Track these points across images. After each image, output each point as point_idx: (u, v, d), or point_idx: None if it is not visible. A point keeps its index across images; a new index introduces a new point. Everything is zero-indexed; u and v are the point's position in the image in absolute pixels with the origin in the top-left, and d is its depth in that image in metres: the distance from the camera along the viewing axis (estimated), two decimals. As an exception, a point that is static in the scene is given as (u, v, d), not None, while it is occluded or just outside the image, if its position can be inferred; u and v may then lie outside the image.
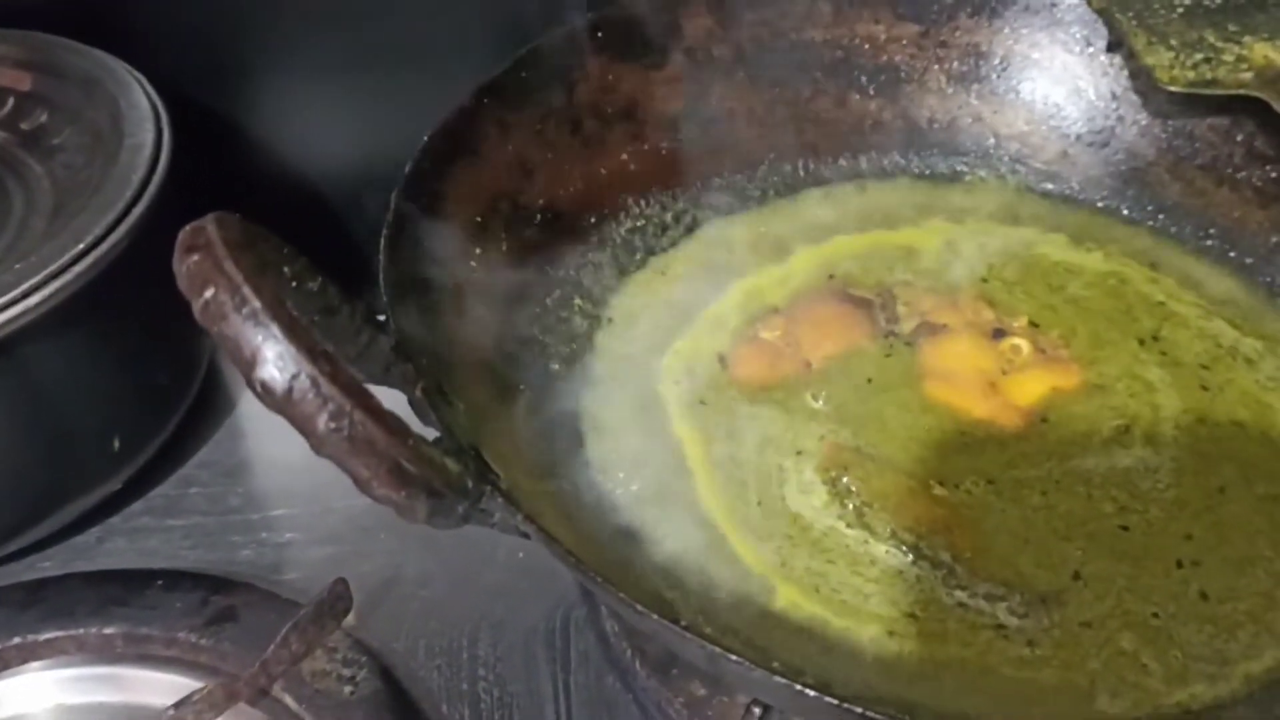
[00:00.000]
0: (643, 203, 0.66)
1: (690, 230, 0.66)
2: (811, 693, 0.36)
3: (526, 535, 0.44)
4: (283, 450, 0.71)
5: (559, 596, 0.63)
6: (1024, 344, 0.60)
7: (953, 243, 0.66)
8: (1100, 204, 0.68)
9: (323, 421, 0.35)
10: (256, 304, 0.35)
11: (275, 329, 0.35)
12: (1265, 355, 0.60)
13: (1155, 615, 0.50)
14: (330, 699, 0.57)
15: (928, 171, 0.70)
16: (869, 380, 0.58)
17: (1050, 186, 0.69)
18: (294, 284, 0.43)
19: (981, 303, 0.62)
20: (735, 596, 0.51)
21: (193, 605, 0.60)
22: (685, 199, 0.67)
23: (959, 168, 0.70)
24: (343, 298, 0.46)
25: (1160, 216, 0.67)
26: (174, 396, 0.68)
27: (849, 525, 0.52)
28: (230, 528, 0.67)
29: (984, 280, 0.64)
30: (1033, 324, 0.61)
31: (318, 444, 0.36)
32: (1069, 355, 0.60)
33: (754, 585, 0.51)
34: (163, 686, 0.58)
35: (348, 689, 0.57)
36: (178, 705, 0.55)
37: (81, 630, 0.59)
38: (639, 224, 0.66)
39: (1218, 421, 0.57)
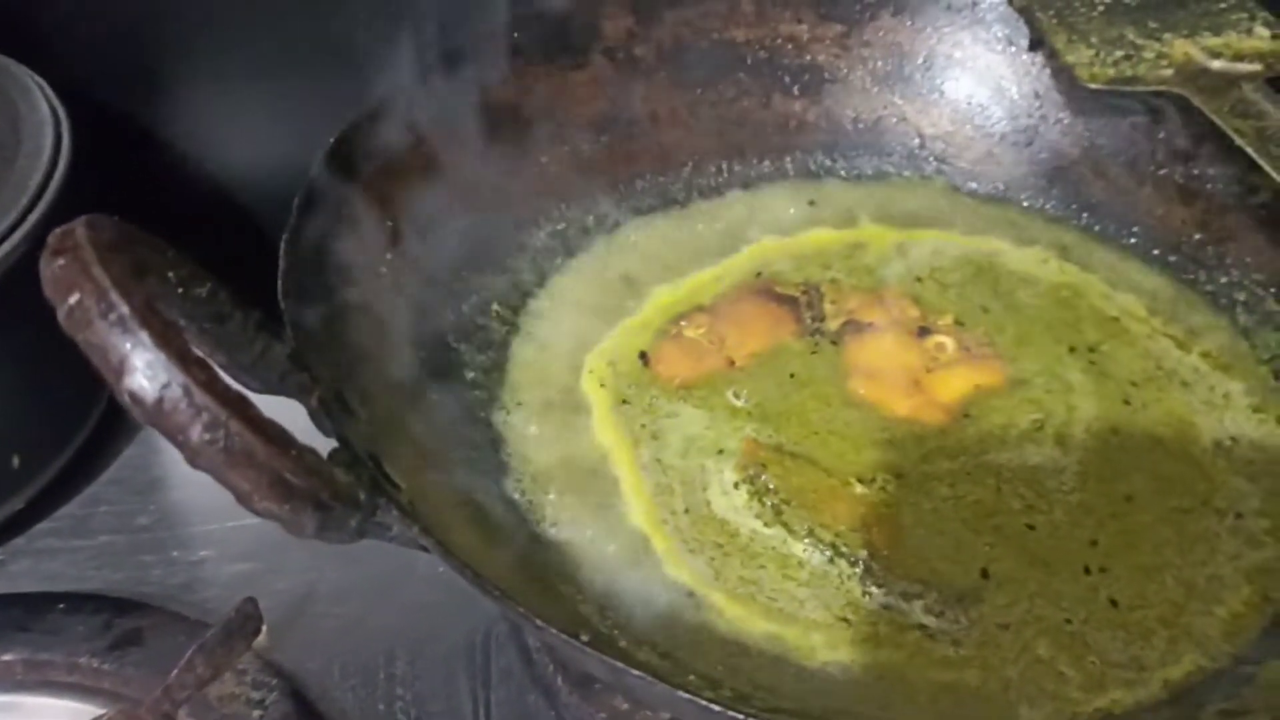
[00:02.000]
0: (563, 206, 0.65)
1: (612, 233, 0.65)
2: (715, 708, 0.35)
3: (425, 549, 0.42)
4: (195, 466, 0.69)
5: (480, 613, 0.61)
6: (949, 341, 0.59)
7: (883, 245, 0.66)
8: (1025, 202, 0.68)
9: (196, 433, 0.33)
10: (124, 310, 0.33)
11: (144, 335, 0.33)
12: (1202, 379, 0.59)
13: (1068, 621, 0.49)
14: (238, 723, 0.55)
15: (854, 172, 0.69)
16: (792, 376, 0.57)
17: (975, 186, 0.69)
18: (180, 290, 0.41)
19: (907, 301, 0.61)
20: (662, 608, 0.49)
21: (95, 629, 0.58)
22: (607, 202, 0.66)
23: (885, 168, 0.70)
24: (234, 304, 0.44)
25: (1085, 215, 0.67)
26: (77, 412, 0.66)
27: (767, 524, 0.52)
28: (140, 546, 0.64)
29: (918, 280, 0.63)
30: (958, 323, 0.61)
31: (192, 456, 0.34)
32: (993, 353, 0.60)
33: (683, 597, 0.50)
34: (64, 714, 0.56)
35: (256, 713, 0.55)
36: (75, 734, 0.52)
37: (-21, 657, 0.57)
38: (559, 227, 0.65)
39: (1133, 434, 0.57)
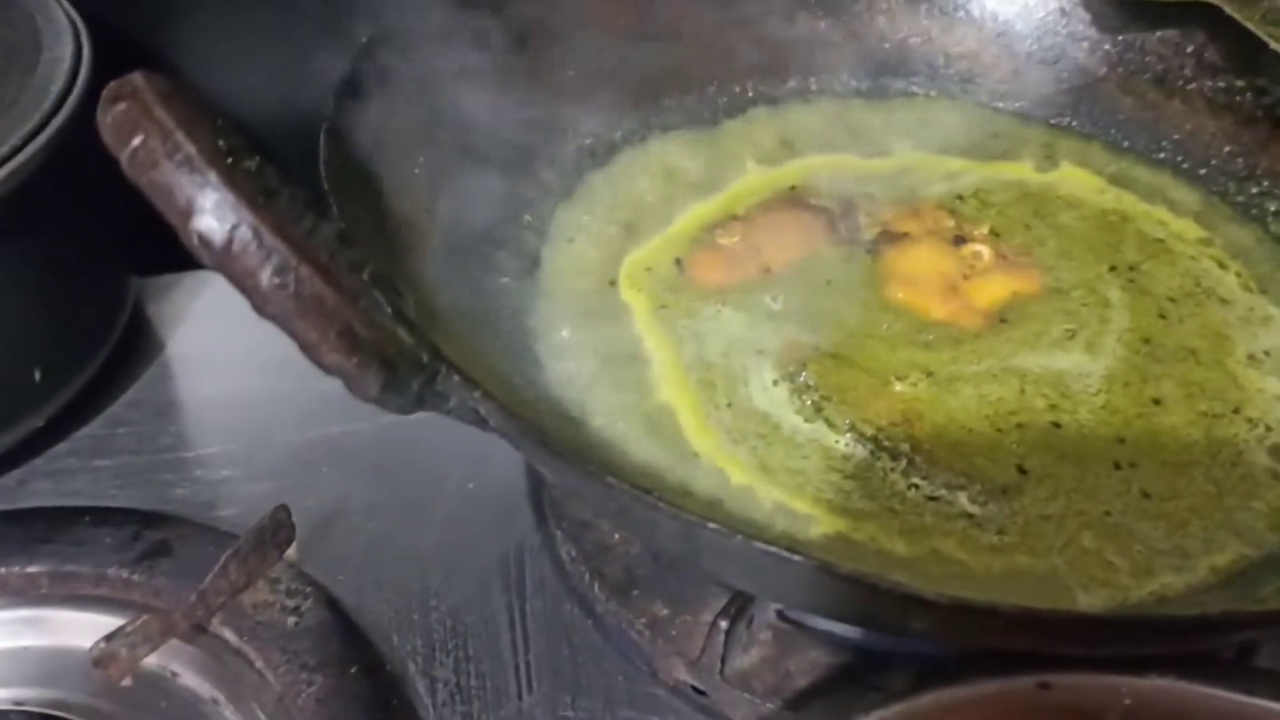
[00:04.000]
0: (590, 120, 0.64)
1: (640, 146, 0.64)
2: (798, 559, 0.34)
3: (485, 424, 0.41)
4: (217, 388, 0.68)
5: (512, 525, 0.60)
6: (985, 250, 0.59)
7: (922, 168, 0.65)
8: (1053, 121, 0.68)
9: (266, 277, 0.33)
10: (190, 149, 0.32)
11: (212, 175, 0.32)
12: (1242, 297, 0.59)
13: (1107, 513, 0.49)
14: (274, 630, 0.54)
15: (879, 92, 0.69)
16: (828, 283, 0.57)
17: (1002, 105, 0.69)
18: (230, 160, 0.40)
19: (943, 212, 0.61)
20: (712, 499, 0.49)
21: (123, 540, 0.57)
22: (634, 118, 0.65)
23: (911, 88, 0.69)
24: (282, 180, 0.43)
25: (1113, 131, 0.67)
26: (99, 329, 0.64)
27: (808, 420, 0.51)
28: (162, 466, 0.63)
29: (959, 199, 0.62)
30: (994, 233, 0.60)
31: (261, 302, 0.33)
32: (1031, 262, 0.59)
33: (733, 491, 0.49)
34: (92, 628, 0.54)
35: (292, 620, 0.54)
36: (108, 638, 0.51)
37: (3, 570, 0.56)
38: (586, 142, 0.64)
39: (1165, 344, 0.56)
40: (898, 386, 0.53)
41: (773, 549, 0.34)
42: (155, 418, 0.66)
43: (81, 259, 0.62)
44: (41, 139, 0.56)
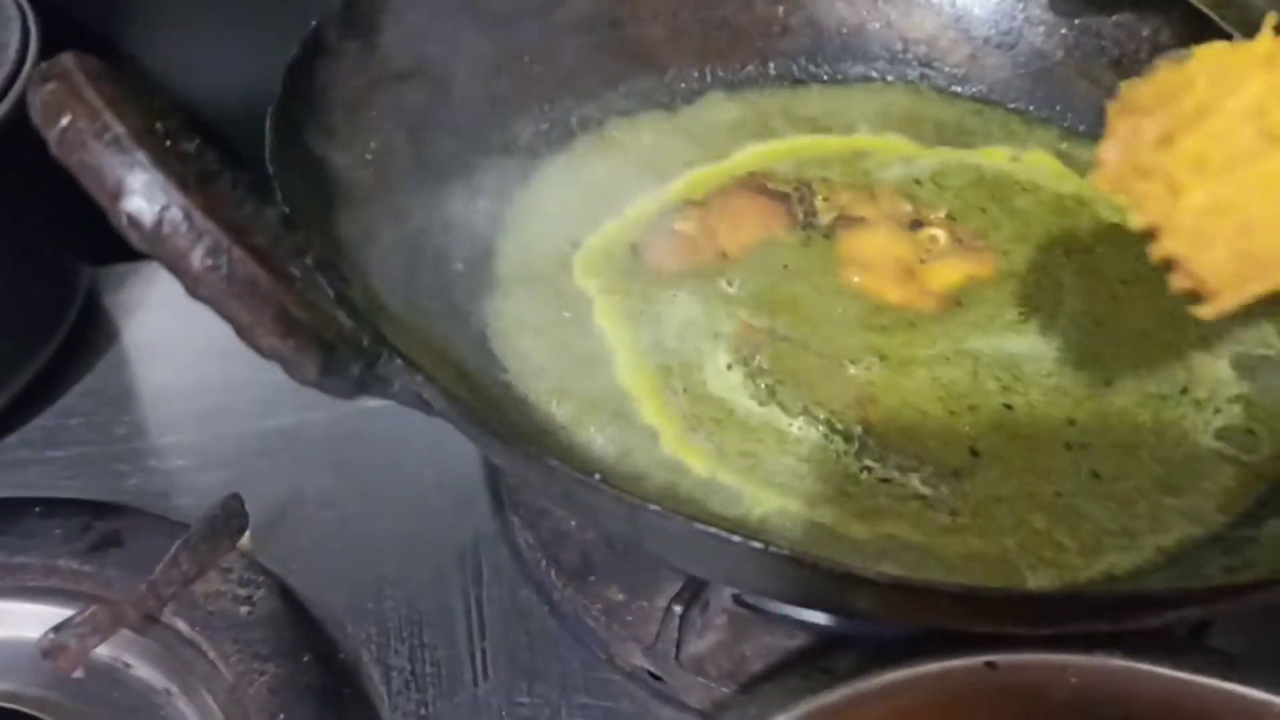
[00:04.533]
0: (546, 106, 0.64)
1: (597, 132, 0.64)
2: (736, 539, 0.34)
3: (429, 408, 0.41)
4: (172, 377, 0.68)
5: (469, 513, 0.60)
6: (941, 234, 0.59)
7: (880, 152, 0.65)
8: (1010, 105, 0.68)
9: (198, 258, 0.32)
10: (119, 129, 0.32)
11: (141, 155, 0.32)
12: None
13: (1058, 494, 0.50)
14: (226, 620, 0.53)
15: (839, 77, 0.69)
16: (785, 267, 0.57)
17: (959, 90, 0.69)
18: (167, 142, 0.40)
19: (900, 196, 0.61)
20: (661, 485, 0.49)
21: (73, 531, 0.56)
22: (591, 104, 0.65)
23: (869, 73, 0.69)
24: (224, 163, 0.42)
25: (1070, 115, 0.67)
26: (50, 318, 0.64)
27: (761, 403, 0.52)
28: (115, 456, 0.62)
29: (916, 183, 0.63)
30: (951, 217, 0.61)
31: (193, 284, 0.32)
32: (986, 245, 0.59)
33: (691, 478, 0.49)
34: (42, 618, 0.54)
35: (244, 609, 0.54)
36: (57, 629, 0.51)
37: (-49, 562, 0.55)
38: (543, 127, 0.63)
39: (1117, 326, 0.57)
40: (851, 370, 0.53)
41: (711, 530, 0.34)
42: (109, 407, 0.65)
43: (32, 247, 0.61)
44: (-14, 127, 0.55)
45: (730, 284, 0.56)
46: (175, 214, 0.32)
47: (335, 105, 0.53)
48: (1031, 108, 0.67)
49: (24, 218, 0.61)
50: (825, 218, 0.60)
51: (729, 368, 0.53)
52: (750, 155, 0.64)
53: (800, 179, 0.62)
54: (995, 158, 0.65)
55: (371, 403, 0.48)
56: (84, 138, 0.32)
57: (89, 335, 0.68)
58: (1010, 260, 0.59)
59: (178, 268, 0.33)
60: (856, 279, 0.57)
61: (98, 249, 0.69)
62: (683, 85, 0.67)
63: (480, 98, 0.61)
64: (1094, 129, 0.64)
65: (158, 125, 0.39)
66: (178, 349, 0.68)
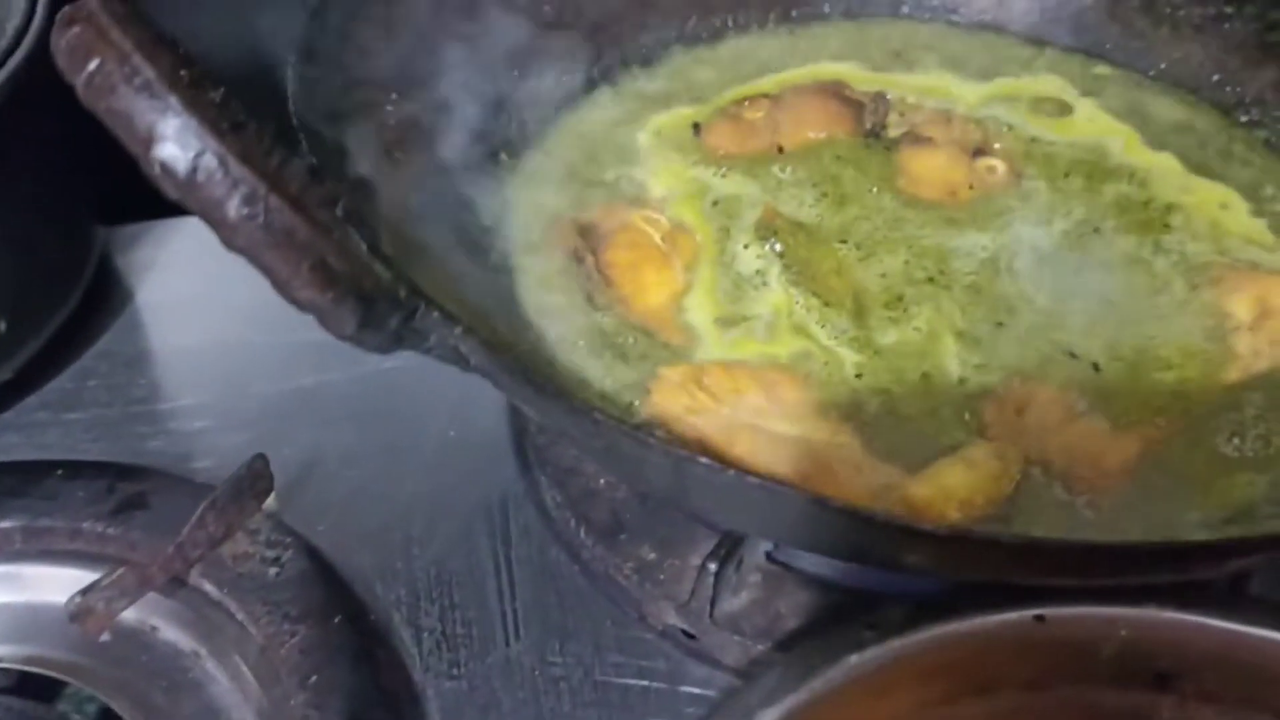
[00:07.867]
0: (566, 59, 0.62)
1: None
2: (791, 491, 0.33)
3: (466, 363, 0.40)
4: (189, 337, 0.67)
5: (495, 472, 0.59)
6: (1000, 165, 0.59)
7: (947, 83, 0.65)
8: (1045, 49, 0.67)
9: (234, 207, 0.31)
10: (150, 73, 0.31)
11: (173, 100, 0.30)
12: (1187, 224, 0.58)
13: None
14: (254, 582, 0.52)
15: (900, 11, 0.69)
16: (838, 157, 0.59)
17: (990, 33, 0.67)
18: (192, 90, 0.38)
19: (971, 124, 0.61)
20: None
21: (97, 494, 0.55)
22: (611, 53, 0.64)
23: (903, 9, 0.68)
24: (248, 114, 0.41)
25: (1101, 58, 0.66)
26: (65, 279, 0.63)
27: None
28: (135, 418, 0.62)
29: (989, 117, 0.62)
30: (1009, 153, 0.60)
31: (229, 234, 0.31)
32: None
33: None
34: (68, 582, 0.53)
35: (273, 571, 0.53)
36: (84, 592, 0.50)
37: (-26, 526, 0.54)
38: (564, 78, 0.62)
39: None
40: (841, 251, 0.55)
41: (765, 483, 0.33)
42: (126, 369, 0.64)
43: (45, 206, 0.60)
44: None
45: (783, 171, 0.58)
46: (210, 161, 0.31)
47: (355, 58, 0.52)
48: (1062, 51, 0.66)
49: (36, 176, 0.60)
50: (894, 131, 0.61)
51: (745, 247, 0.55)
52: (839, 69, 0.65)
53: (879, 93, 0.62)
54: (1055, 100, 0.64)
55: (390, 362, 0.48)
56: (113, 81, 0.31)
57: (104, 296, 0.67)
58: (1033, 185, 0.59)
59: (213, 217, 0.31)
60: (907, 189, 0.58)
61: (110, 208, 0.68)
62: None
63: (499, 47, 0.60)
64: (1126, 71, 0.63)
65: (183, 72, 0.38)
66: (193, 309, 0.67)
